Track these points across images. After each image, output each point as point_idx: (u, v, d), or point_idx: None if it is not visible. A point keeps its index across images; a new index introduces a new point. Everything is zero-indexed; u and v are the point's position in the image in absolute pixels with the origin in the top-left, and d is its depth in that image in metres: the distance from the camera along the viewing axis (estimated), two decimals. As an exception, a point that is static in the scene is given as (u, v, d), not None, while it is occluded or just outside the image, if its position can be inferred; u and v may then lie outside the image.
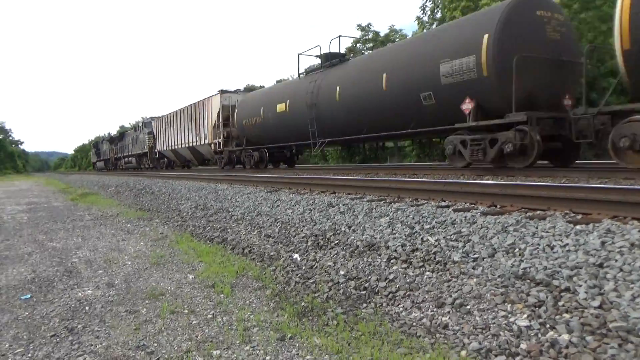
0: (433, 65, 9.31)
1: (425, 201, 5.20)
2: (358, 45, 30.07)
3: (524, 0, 8.51)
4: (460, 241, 3.46)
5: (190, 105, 22.52)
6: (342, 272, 3.58)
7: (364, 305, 3.07)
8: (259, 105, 16.05)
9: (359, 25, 30.27)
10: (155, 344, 2.68)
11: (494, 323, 2.48)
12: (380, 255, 3.65)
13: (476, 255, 3.16)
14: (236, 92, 19.53)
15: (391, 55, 10.80)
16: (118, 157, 42.45)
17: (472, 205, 4.61)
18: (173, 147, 24.90)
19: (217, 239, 5.57)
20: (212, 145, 19.52)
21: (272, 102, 15.36)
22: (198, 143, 21.26)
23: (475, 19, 9.09)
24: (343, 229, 4.48)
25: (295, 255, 4.22)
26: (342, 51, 14.45)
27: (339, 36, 14.04)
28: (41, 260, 4.83)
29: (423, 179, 6.95)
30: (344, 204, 5.43)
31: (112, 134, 50.62)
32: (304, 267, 3.92)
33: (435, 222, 4.01)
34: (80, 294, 3.62)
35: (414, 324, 2.73)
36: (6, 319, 3.16)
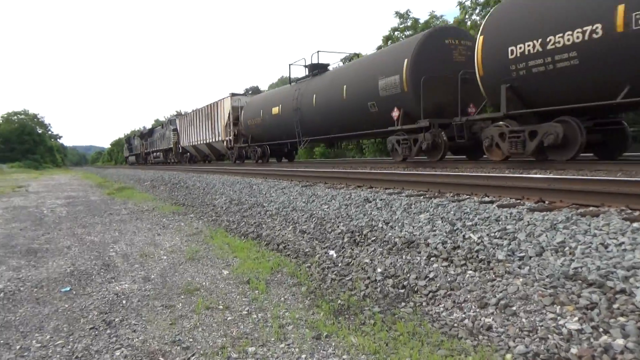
0: (374, 80, 12.45)
1: (468, 196, 5.12)
2: (396, 33, 29.44)
3: (436, 31, 11.65)
4: (505, 239, 3.39)
5: (207, 105, 26.35)
6: (379, 270, 3.58)
7: (403, 304, 3.07)
8: (259, 108, 19.88)
9: (396, 12, 29.71)
10: (191, 340, 2.76)
11: (541, 325, 2.43)
12: (419, 252, 3.63)
13: (522, 254, 3.09)
14: (245, 94, 23.88)
15: (349, 71, 14.09)
16: (148, 152, 46.80)
17: (518, 201, 4.50)
18: (194, 143, 28.84)
19: (251, 234, 5.66)
20: (225, 142, 23.47)
21: (269, 106, 19.10)
22: (214, 140, 25.16)
23: (401, 45, 12.24)
24: (380, 225, 4.47)
25: (331, 252, 4.25)
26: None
27: (318, 51, 17.20)
28: (80, 254, 5.05)
29: (465, 173, 6.85)
30: (381, 199, 5.42)
31: (143, 130, 56.45)
32: (340, 264, 3.94)
33: (478, 219, 3.95)
34: (117, 288, 3.78)
35: (456, 324, 2.71)
36: (47, 311, 3.33)
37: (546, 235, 3.27)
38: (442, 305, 2.93)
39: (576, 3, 6.92)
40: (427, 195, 5.41)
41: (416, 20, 29.08)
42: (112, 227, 6.90)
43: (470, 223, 3.89)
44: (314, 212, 5.66)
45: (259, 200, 7.49)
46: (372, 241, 4.17)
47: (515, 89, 8.41)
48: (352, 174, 8.45)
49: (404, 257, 3.66)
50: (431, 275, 3.26)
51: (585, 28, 6.73)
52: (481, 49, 8.97)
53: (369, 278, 3.52)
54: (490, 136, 9.27)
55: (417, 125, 11.33)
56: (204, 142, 26.70)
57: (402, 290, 3.23)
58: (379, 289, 3.33)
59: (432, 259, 3.47)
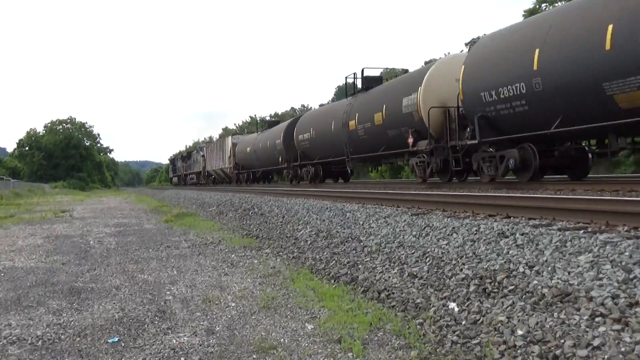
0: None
1: (651, 231, 4.77)
2: (544, 5, 29.46)
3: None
4: None
5: (219, 141, 51.12)
6: (520, 332, 3.46)
7: (554, 382, 2.92)
8: (246, 146, 37.27)
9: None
10: (265, 413, 2.82)
11: None
12: (578, 310, 3.46)
13: None
14: (241, 134, 46.43)
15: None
16: (186, 173, 65.44)
17: None
18: (214, 168, 48.04)
19: (344, 277, 5.69)
20: (229, 169, 42.36)
21: (246, 146, 37.20)
22: (223, 166, 44.21)
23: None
24: (521, 269, 4.31)
25: (452, 305, 4.17)
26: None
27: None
28: (130, 296, 5.38)
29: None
30: (522, 234, 5.22)
31: (183, 152, 78.44)
32: (464, 322, 3.85)
33: (668, 264, 3.68)
34: (174, 341, 3.96)
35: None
36: (91, 367, 3.57)
37: None
38: (613, 386, 2.75)
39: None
40: (590, 229, 5.13)
41: None
42: (169, 263, 7.29)
43: (654, 270, 3.63)
44: (428, 250, 5.58)
45: (355, 232, 7.53)
46: (509, 291, 4.04)
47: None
48: (480, 199, 8.24)
49: (555, 315, 3.51)
50: (596, 342, 3.09)
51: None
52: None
53: (505, 343, 3.41)
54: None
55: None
56: (219, 167, 46.00)
57: (554, 362, 3.08)
58: (519, 359, 3.21)
59: (597, 319, 3.30)
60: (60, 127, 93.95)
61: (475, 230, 5.83)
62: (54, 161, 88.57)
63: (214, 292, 5.44)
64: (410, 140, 16.11)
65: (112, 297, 5.40)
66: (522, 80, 11.38)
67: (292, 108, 28.56)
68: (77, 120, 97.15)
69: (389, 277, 5.23)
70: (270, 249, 8.18)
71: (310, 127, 25.18)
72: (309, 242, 7.96)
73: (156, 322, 4.45)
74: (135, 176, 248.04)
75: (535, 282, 4.02)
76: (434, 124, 15.08)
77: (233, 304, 4.94)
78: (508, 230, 5.51)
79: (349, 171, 26.38)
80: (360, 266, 5.90)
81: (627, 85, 9.18)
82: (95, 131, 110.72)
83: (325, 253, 6.98)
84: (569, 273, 3.99)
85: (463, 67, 13.45)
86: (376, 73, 22.24)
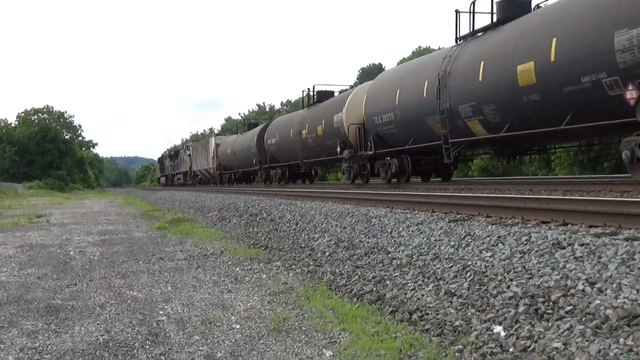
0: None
1: None
2: None
3: None
4: None
5: (204, 140, 59.08)
6: (579, 361, 3.43)
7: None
8: (227, 147, 45.59)
9: None
10: None
11: None
12: (649, 335, 3.43)
13: None
14: (223, 134, 59.25)
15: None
16: (174, 173, 72.77)
17: None
18: (199, 168, 56.45)
19: (368, 295, 5.70)
20: (212, 169, 49.91)
21: (227, 147, 46.11)
22: (207, 166, 51.84)
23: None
24: (580, 286, 4.29)
25: (498, 328, 4.17)
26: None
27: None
28: (117, 316, 5.42)
29: None
30: (582, 244, 5.18)
31: (174, 149, 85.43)
32: (512, 349, 3.84)
33: None
34: (168, 370, 3.99)
35: None
36: (72, 399, 3.61)
37: None
38: None
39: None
40: (663, 239, 5.08)
41: None
42: (162, 277, 7.34)
43: None
44: (469, 263, 5.56)
45: (382, 242, 7.53)
46: (566, 313, 4.03)
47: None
48: (531, 202, 8.19)
49: (621, 341, 3.49)
50: (671, 374, 3.06)
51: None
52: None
53: (560, 374, 3.39)
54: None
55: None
56: (204, 168, 53.70)
57: (619, 398, 3.07)
58: (577, 393, 3.19)
59: (671, 346, 3.27)
60: (35, 117, 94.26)
61: (526, 240, 5.80)
62: (28, 157, 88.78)
63: (215, 311, 5.47)
64: (339, 149, 23.80)
65: (96, 317, 5.45)
66: (392, 111, 19.28)
67: (307, 94, 28.01)
68: (54, 109, 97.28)
69: (422, 295, 5.23)
70: (282, 262, 8.21)
71: (276, 133, 33.26)
72: (327, 254, 7.97)
73: (147, 347, 4.49)
74: (123, 175, 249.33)
75: (597, 301, 4.00)
76: (352, 137, 22.77)
77: (237, 326, 4.96)
78: (565, 240, 5.48)
79: (312, 173, 34.74)
80: (387, 282, 5.90)
81: (435, 119, 16.64)
82: (76, 122, 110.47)
83: (347, 266, 6.99)
84: (637, 291, 3.96)
85: (365, 95, 21.84)
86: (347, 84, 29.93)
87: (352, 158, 22.81)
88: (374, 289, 5.84)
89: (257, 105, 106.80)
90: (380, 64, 79.73)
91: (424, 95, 17.19)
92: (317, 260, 7.82)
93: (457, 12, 17.29)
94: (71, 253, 9.93)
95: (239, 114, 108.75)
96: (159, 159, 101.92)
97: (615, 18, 10.71)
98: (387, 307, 5.24)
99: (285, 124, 32.85)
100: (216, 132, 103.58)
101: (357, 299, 5.72)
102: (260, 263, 8.18)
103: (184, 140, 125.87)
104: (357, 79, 76.55)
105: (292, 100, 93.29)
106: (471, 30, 16.65)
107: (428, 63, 18.19)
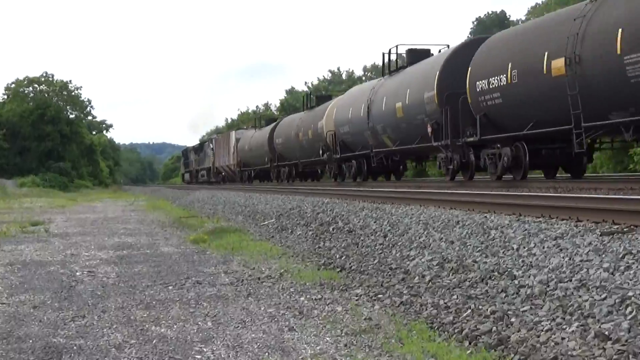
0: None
1: None
2: None
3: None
4: None
5: (226, 133, 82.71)
6: None
7: None
8: (245, 143, 63.39)
9: None
10: None
11: None
12: None
13: None
14: (246, 128, 74.21)
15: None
16: (198, 169, 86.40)
17: None
18: (222, 164, 69.94)
19: (485, 337, 5.62)
20: (233, 165, 66.09)
21: (245, 143, 64.18)
22: (229, 162, 67.38)
23: None
24: None
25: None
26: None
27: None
28: (139, 362, 5.49)
29: None
30: None
31: (210, 137, 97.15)
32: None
33: None
34: None
35: None
36: None
37: None
38: None
39: None
40: None
41: None
42: (200, 309, 7.38)
43: None
44: (630, 294, 5.42)
45: (504, 262, 7.42)
46: None
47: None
48: None
49: None
50: None
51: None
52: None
53: None
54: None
55: None
56: (226, 164, 67.40)
57: None
58: None
59: None
60: (30, 89, 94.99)
61: None
62: (20, 144, 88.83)
63: (273, 357, 5.48)
64: (321, 152, 39.41)
65: (111, 362, 5.51)
66: (347, 123, 35.71)
67: (389, 57, 32.06)
68: (55, 78, 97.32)
69: (563, 338, 5.13)
70: (364, 289, 8.16)
71: (282, 134, 49.99)
72: (427, 278, 7.90)
73: (180, 405, 4.52)
74: (147, 168, 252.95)
75: None
76: (330, 142, 38.05)
77: (303, 378, 4.95)
78: None
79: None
80: (513, 319, 5.81)
81: (367, 133, 33.47)
82: (84, 96, 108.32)
83: (455, 296, 6.91)
84: None
85: (335, 108, 38.69)
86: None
87: (331, 159, 38.43)
88: (494, 328, 5.75)
89: (330, 71, 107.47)
90: (503, 12, 78.72)
91: (361, 114, 33.60)
92: (413, 288, 7.74)
93: (383, 54, 33.92)
94: (78, 274, 10.08)
95: (306, 83, 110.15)
96: (183, 151, 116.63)
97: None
98: (513, 355, 5.16)
99: (288, 125, 49.55)
100: (275, 108, 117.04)
101: (470, 343, 5.65)
102: (334, 290, 8.15)
103: (229, 121, 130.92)
104: (471, 32, 76.03)
105: (379, 65, 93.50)
106: (388, 71, 33.22)
107: (366, 89, 35.75)
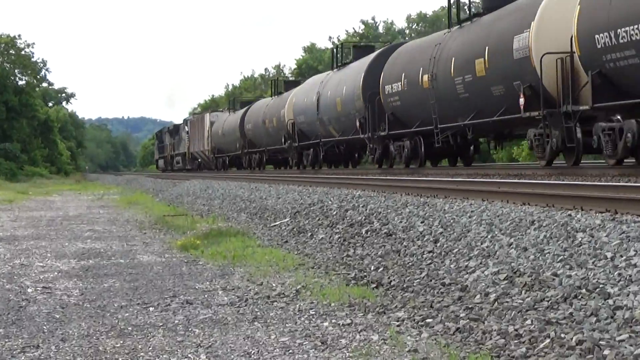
0: None
1: None
2: None
3: None
4: None
5: (199, 115, 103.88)
6: None
7: None
8: (219, 127, 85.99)
9: None
10: None
11: None
12: None
13: None
14: (222, 111, 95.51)
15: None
16: (173, 154, 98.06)
17: None
18: (196, 150, 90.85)
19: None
20: (207, 151, 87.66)
21: (218, 128, 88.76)
22: (203, 148, 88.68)
23: None
24: None
25: None
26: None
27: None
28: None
29: None
30: None
31: (175, 124, 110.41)
32: None
33: None
34: None
35: None
36: None
37: None
38: None
39: None
40: None
41: None
42: (189, 338, 7.35)
43: None
44: None
45: (594, 276, 7.37)
46: None
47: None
48: None
49: None
50: None
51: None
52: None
53: None
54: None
55: None
56: (200, 150, 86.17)
57: None
58: None
59: None
60: None
61: None
62: None
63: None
64: (283, 139, 57.10)
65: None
66: (303, 113, 54.57)
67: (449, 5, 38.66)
68: (0, 34, 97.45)
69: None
70: (407, 311, 8.12)
71: (251, 120, 64.63)
72: (492, 297, 7.87)
73: None
74: (121, 150, 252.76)
75: None
76: (290, 130, 57.06)
77: None
78: None
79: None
80: (606, 351, 5.76)
81: (321, 122, 51.98)
82: (37, 56, 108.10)
83: (529, 321, 6.86)
84: None
85: (294, 98, 57.36)
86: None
87: (292, 150, 53.68)
88: (581, 365, 5.71)
89: (362, 22, 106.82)
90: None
91: (313, 105, 49.53)
92: (473, 310, 7.70)
93: (333, 49, 57.70)
94: (29, 291, 10.10)
95: (330, 38, 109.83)
96: (156, 134, 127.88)
97: (355, 82, 47.67)
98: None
99: (257, 112, 64.14)
100: (289, 73, 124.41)
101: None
102: (368, 313, 8.11)
103: (230, 88, 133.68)
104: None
105: (428, 15, 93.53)
106: (336, 65, 50.75)
107: (317, 82, 51.50)
